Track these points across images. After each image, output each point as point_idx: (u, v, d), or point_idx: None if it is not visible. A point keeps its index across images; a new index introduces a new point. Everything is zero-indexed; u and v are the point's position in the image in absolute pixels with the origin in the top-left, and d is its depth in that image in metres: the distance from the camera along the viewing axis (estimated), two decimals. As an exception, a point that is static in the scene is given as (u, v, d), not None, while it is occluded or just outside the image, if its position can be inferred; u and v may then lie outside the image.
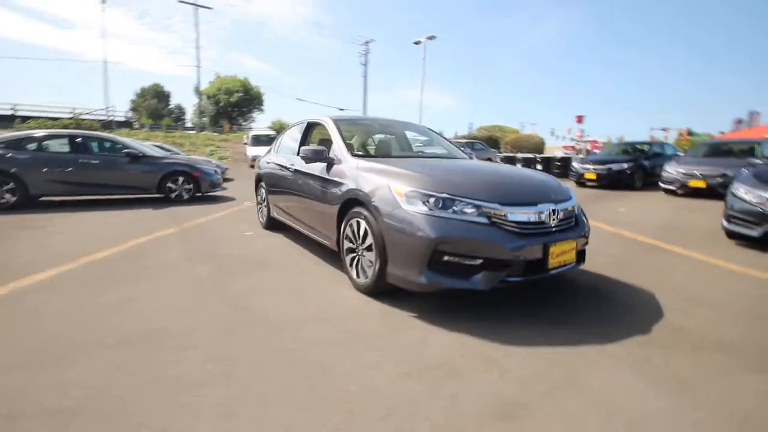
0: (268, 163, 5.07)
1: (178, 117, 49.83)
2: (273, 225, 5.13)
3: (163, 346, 2.14)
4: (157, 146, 11.46)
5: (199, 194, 8.17)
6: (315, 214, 3.66)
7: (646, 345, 2.24)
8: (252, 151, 15.59)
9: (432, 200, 2.49)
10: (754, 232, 4.33)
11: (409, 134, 4.60)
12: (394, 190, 2.63)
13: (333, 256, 3.90)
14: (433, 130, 4.75)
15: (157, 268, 3.53)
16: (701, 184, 8.29)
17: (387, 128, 4.47)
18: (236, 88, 37.32)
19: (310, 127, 4.41)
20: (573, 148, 27.79)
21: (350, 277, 3.09)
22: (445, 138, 4.69)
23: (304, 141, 4.37)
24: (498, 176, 2.94)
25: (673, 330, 2.43)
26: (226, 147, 18.88)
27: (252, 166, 15.48)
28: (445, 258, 2.40)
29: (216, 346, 2.16)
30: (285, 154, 4.67)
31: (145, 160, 7.67)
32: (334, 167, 3.40)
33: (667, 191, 9.09)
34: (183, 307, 2.69)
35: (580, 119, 40.03)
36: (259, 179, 5.40)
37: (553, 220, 2.62)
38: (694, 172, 8.48)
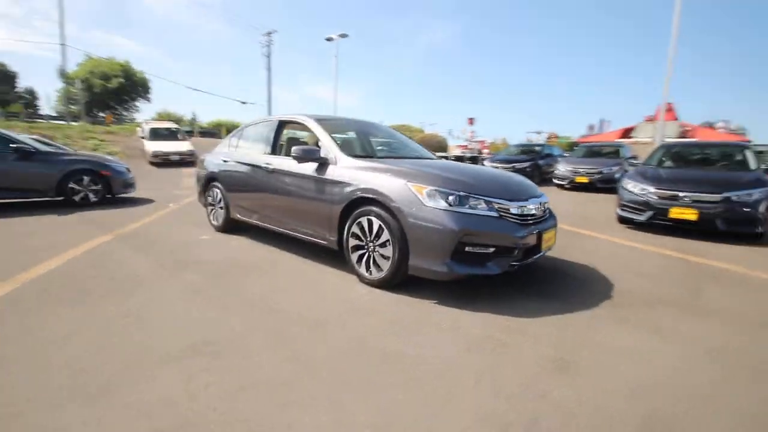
0: (225, 161, 4.80)
1: (29, 103, 41.15)
2: (231, 227, 4.88)
3: (222, 356, 2.07)
4: (35, 140, 9.59)
5: (110, 196, 7.18)
6: (305, 213, 3.67)
7: (618, 306, 2.88)
8: (152, 146, 13.92)
9: (451, 198, 2.80)
10: (642, 217, 5.59)
11: (376, 135, 4.81)
12: (414, 188, 2.87)
13: (318, 255, 3.95)
14: (396, 132, 5.04)
15: (135, 279, 3.18)
16: (585, 180, 10.12)
17: (362, 128, 4.61)
18: (115, 72, 32.07)
19: (282, 126, 4.34)
20: (466, 147, 30.66)
21: (358, 273, 3.23)
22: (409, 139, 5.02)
23: (276, 140, 4.28)
24: (491, 176, 3.36)
25: (628, 293, 3.15)
26: (112, 141, 16.40)
27: (153, 164, 13.84)
28: (466, 248, 2.73)
29: (276, 348, 2.16)
30: (251, 153, 4.50)
31: (39, 156, 6.48)
32: (330, 167, 3.47)
33: (559, 186, 10.84)
34: (206, 316, 2.55)
35: (471, 121, 44.13)
36: (210, 179, 5.06)
37: (540, 211, 3.14)
38: (579, 169, 10.29)
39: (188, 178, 11.80)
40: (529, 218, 3.01)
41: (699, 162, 6.63)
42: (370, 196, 3.07)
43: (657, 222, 5.48)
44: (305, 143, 4.67)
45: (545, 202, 3.31)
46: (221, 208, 4.88)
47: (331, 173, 3.43)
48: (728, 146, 6.68)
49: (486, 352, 2.18)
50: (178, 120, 33.05)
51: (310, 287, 3.13)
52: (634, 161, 7.42)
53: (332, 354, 2.12)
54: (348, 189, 3.24)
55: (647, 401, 1.78)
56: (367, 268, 3.16)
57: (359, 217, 3.16)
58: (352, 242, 3.24)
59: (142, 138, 14.85)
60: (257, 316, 2.57)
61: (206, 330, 2.35)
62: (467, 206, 2.79)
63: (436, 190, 2.83)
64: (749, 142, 13.79)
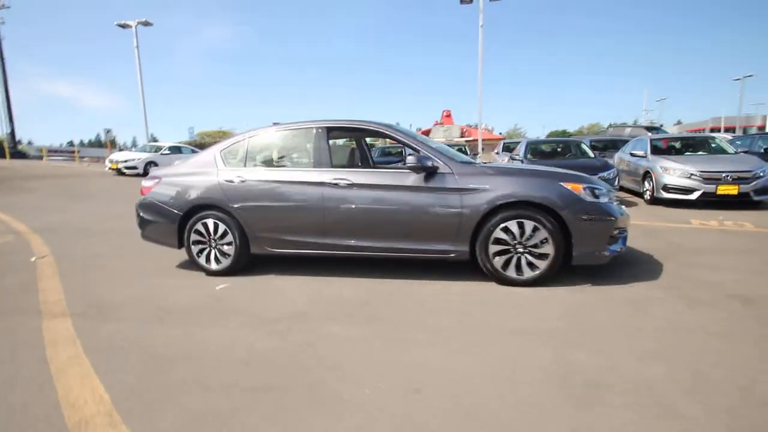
0: (233, 182, 3.66)
1: None
2: (242, 266, 3.80)
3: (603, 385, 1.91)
4: None
5: None
6: (420, 228, 3.35)
7: (674, 256, 3.94)
8: None
9: (596, 191, 3.22)
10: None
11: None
12: (571, 187, 3.14)
13: (413, 272, 3.63)
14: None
15: (289, 355, 2.28)
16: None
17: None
18: None
19: (328, 134, 3.68)
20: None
21: (505, 278, 3.23)
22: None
23: (330, 151, 3.62)
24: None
25: (653, 249, 4.29)
26: None
27: None
28: (614, 233, 3.23)
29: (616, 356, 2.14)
30: (286, 169, 3.68)
31: None
32: (448, 176, 3.29)
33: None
34: (482, 356, 2.18)
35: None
36: (197, 209, 3.76)
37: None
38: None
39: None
40: (612, 203, 3.74)
41: (555, 154, 9.03)
42: (523, 199, 3.14)
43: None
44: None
45: None
46: (229, 243, 3.71)
47: (455, 182, 3.27)
48: (570, 142, 9.35)
49: (698, 304, 2.76)
50: None
51: (473, 303, 2.97)
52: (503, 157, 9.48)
53: (641, 343, 2.26)
54: (488, 195, 3.18)
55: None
56: (518, 269, 3.22)
57: (503, 222, 3.18)
58: (494, 249, 3.23)
59: None
60: (514, 340, 2.37)
61: (516, 360, 2.06)
62: (606, 197, 3.27)
63: (588, 187, 3.19)
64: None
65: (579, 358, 2.13)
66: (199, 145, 20.31)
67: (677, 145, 8.62)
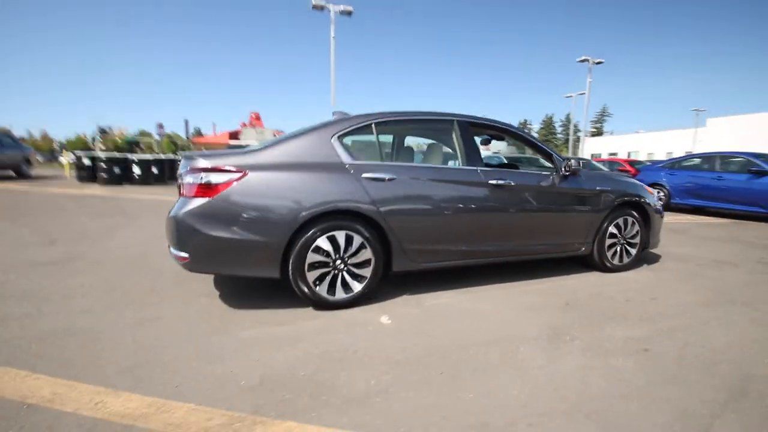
0: (388, 179, 2.75)
1: None
2: (373, 290, 2.92)
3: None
4: None
5: None
6: (561, 228, 3.51)
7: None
8: None
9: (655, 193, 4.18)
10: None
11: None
12: (649, 190, 3.97)
13: (516, 271, 3.67)
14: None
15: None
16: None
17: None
18: None
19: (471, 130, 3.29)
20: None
21: (612, 266, 3.78)
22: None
23: (478, 147, 3.25)
24: None
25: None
26: None
27: None
28: (654, 225, 4.29)
29: None
30: (444, 166, 3.20)
31: None
32: (578, 179, 3.55)
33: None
34: None
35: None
36: (332, 214, 2.63)
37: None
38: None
39: None
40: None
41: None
42: (635, 199, 3.77)
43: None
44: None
45: None
46: (365, 262, 2.76)
47: (587, 183, 3.57)
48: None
49: (755, 266, 4.06)
50: None
51: (638, 291, 3.38)
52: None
53: None
54: (611, 195, 3.65)
55: None
56: (621, 259, 3.83)
57: (615, 219, 3.72)
58: (609, 242, 3.73)
59: None
60: (748, 312, 2.96)
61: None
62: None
63: (652, 191, 4.10)
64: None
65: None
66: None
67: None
